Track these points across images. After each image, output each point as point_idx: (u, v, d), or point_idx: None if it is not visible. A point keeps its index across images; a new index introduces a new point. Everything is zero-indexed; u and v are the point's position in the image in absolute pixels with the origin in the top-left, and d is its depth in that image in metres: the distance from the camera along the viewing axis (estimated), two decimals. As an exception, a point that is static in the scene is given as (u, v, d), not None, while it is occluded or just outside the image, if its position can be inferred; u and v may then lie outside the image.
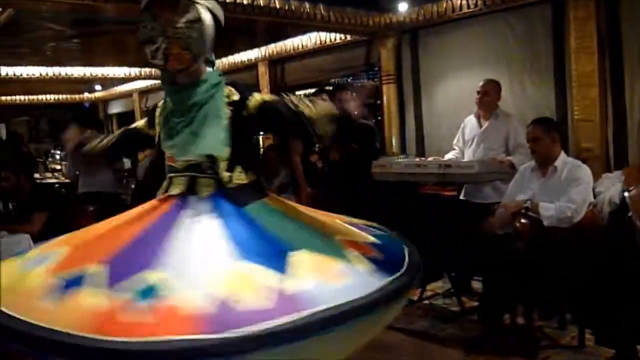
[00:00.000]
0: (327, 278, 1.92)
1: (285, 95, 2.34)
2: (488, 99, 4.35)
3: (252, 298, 1.75)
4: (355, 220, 2.54)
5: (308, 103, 2.25)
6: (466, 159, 4.43)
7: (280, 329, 1.66)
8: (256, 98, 2.33)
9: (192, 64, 2.26)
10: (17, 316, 1.74)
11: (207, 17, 2.25)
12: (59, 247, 2.14)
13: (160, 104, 2.49)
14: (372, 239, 2.33)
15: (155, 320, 1.66)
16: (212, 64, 2.42)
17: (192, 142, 2.29)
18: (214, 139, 2.28)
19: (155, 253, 1.93)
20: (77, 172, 5.98)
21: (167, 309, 1.69)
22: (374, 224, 2.56)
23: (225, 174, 2.28)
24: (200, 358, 1.59)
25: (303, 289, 1.83)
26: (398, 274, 2.08)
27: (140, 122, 2.66)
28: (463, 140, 4.57)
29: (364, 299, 1.87)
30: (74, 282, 1.83)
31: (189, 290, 1.76)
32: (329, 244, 2.17)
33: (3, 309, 1.78)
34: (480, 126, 4.42)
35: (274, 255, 1.97)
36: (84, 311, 1.70)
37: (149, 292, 1.75)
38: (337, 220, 2.47)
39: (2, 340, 1.79)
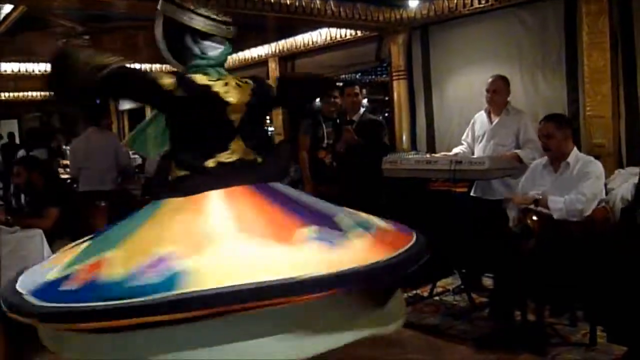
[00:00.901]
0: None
1: None
2: (498, 97, 4.33)
3: None
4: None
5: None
6: (476, 154, 4.41)
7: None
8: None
9: None
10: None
11: None
12: None
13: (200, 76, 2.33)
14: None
15: (394, 236, 2.14)
16: None
17: None
18: None
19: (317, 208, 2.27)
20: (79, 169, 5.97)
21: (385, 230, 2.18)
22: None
23: None
24: None
25: None
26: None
27: (166, 80, 2.25)
28: (472, 136, 4.55)
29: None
30: None
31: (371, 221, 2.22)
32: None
33: None
34: (491, 122, 4.40)
35: None
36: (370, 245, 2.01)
37: (362, 226, 2.13)
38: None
39: None
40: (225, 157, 2.33)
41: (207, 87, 2.32)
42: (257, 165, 2.41)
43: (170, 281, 1.72)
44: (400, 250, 2.00)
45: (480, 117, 4.50)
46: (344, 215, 2.20)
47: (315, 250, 1.89)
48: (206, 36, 2.39)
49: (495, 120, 4.37)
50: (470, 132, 4.57)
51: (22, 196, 5.59)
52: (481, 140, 4.44)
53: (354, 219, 2.19)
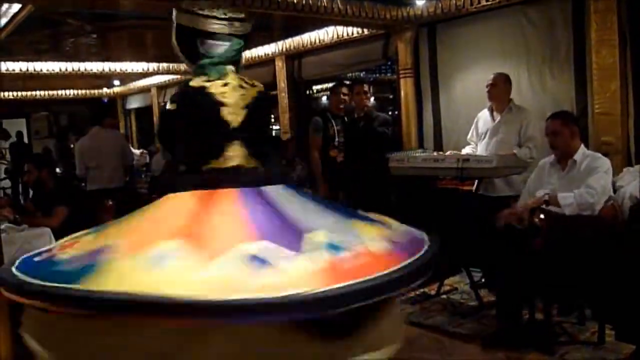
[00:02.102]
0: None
1: None
2: (496, 90, 4.32)
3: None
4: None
5: None
6: (479, 152, 4.40)
7: None
8: None
9: None
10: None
11: None
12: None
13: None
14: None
15: (367, 261, 1.82)
16: None
17: None
18: None
19: (294, 222, 2.02)
20: (87, 169, 5.99)
21: (366, 253, 1.86)
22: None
23: None
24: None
25: None
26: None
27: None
28: (477, 134, 4.54)
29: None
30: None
31: (357, 241, 1.92)
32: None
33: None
34: (494, 120, 4.39)
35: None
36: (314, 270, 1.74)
37: (333, 247, 1.85)
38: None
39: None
40: (220, 163, 2.31)
41: (202, 88, 2.35)
42: (254, 170, 2.34)
43: (77, 273, 1.78)
44: (353, 282, 1.69)
45: (484, 114, 4.50)
46: (325, 231, 1.95)
47: (235, 269, 1.71)
48: (209, 35, 2.43)
49: (498, 117, 4.36)
50: (475, 131, 4.57)
51: (31, 194, 5.63)
52: (484, 138, 4.42)
53: (335, 237, 1.93)
